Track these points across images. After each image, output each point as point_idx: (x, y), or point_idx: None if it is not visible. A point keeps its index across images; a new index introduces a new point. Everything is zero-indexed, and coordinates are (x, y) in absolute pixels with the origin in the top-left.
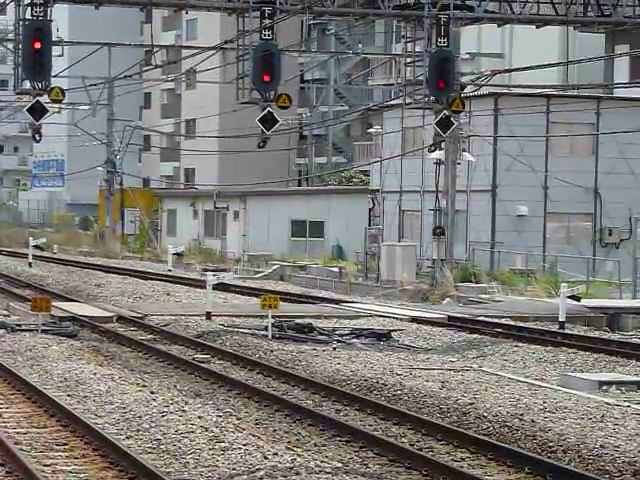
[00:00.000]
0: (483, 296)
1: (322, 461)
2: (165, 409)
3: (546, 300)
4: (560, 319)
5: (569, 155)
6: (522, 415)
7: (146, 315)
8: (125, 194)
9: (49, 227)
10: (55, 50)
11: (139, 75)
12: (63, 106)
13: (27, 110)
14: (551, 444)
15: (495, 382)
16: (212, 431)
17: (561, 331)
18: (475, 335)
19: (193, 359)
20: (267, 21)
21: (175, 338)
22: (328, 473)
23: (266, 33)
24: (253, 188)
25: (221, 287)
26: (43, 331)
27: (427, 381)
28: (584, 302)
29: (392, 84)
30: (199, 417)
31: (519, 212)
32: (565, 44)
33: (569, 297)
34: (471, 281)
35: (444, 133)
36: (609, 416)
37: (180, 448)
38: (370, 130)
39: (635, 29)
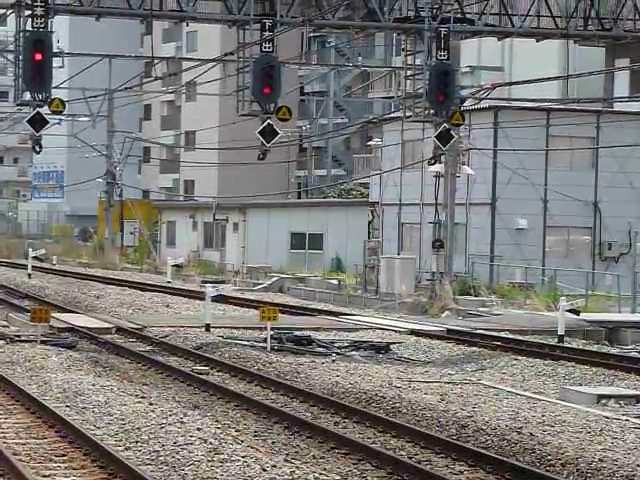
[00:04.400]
0: (482, 309)
1: (321, 473)
2: (164, 420)
3: (545, 313)
4: (559, 332)
5: (569, 169)
6: (521, 428)
7: (145, 326)
8: (124, 206)
9: (48, 238)
10: (55, 61)
11: (139, 87)
12: (63, 117)
13: (27, 121)
14: (549, 457)
15: (494, 395)
16: (211, 443)
17: (560, 345)
18: (474, 348)
19: (192, 371)
20: (267, 33)
21: (174, 350)
22: None
23: (266, 45)
24: (252, 200)
25: (220, 299)
26: (42, 342)
27: (426, 394)
28: (583, 316)
29: (392, 97)
30: (198, 429)
31: (518, 225)
32: (565, 58)
33: (568, 311)
34: (470, 294)
35: (444, 146)
36: (608, 430)
37: (179, 460)
38: (370, 143)
39: (635, 43)
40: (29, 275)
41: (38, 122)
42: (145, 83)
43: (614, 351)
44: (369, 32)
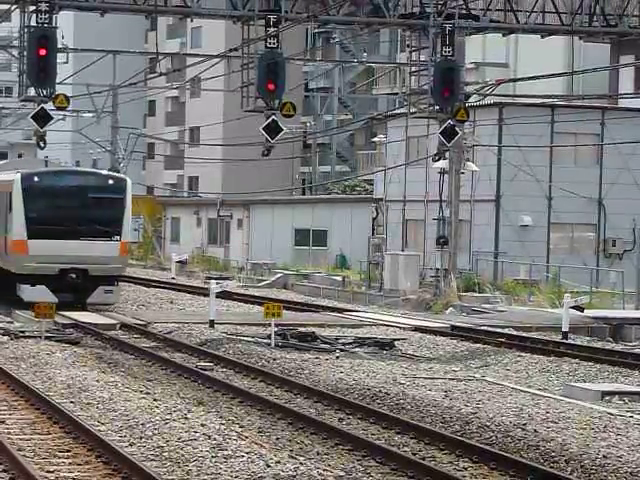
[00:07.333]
0: (486, 306)
1: (325, 470)
2: (168, 416)
3: (549, 310)
4: (563, 329)
5: (573, 165)
6: (525, 425)
7: (149, 323)
8: None
9: None
10: (60, 57)
11: (144, 83)
12: (67, 113)
13: (31, 117)
14: (553, 454)
15: (498, 392)
16: (215, 439)
17: (564, 341)
18: (478, 345)
19: (196, 367)
20: (272, 29)
21: (178, 346)
22: None
23: (271, 41)
24: (257, 196)
25: (224, 295)
26: (46, 338)
27: (430, 390)
28: (587, 312)
29: (396, 93)
30: (202, 425)
31: (523, 222)
32: (570, 54)
33: (572, 307)
34: (474, 291)
35: (448, 142)
36: (612, 426)
37: (183, 456)
38: (374, 139)
39: None
40: None
41: (42, 118)
42: (149, 79)
43: (618, 348)
44: (374, 28)
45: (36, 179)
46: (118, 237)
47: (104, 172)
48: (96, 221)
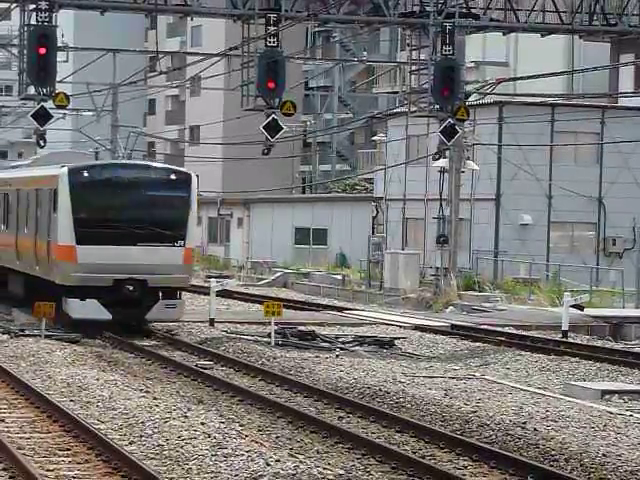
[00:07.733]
0: (486, 304)
1: (325, 468)
2: (168, 415)
3: (549, 309)
4: (563, 328)
5: (573, 164)
6: (525, 423)
7: (149, 321)
8: None
9: None
10: (60, 56)
11: (144, 81)
12: (67, 112)
13: (31, 116)
14: (553, 452)
15: (498, 390)
16: (215, 437)
17: (564, 340)
18: (478, 343)
19: (196, 365)
20: (272, 28)
21: (178, 344)
22: None
23: (271, 40)
24: (257, 195)
25: (224, 294)
26: (46, 336)
27: (430, 389)
28: (587, 311)
29: (397, 92)
30: (202, 423)
31: (523, 221)
32: (570, 53)
33: (572, 306)
34: (474, 289)
35: (448, 141)
36: (611, 425)
37: (183, 454)
38: (374, 138)
39: None
40: None
41: (42, 116)
42: (149, 78)
43: (618, 346)
44: (374, 27)
45: (86, 174)
46: (182, 242)
47: (165, 165)
48: (157, 224)
